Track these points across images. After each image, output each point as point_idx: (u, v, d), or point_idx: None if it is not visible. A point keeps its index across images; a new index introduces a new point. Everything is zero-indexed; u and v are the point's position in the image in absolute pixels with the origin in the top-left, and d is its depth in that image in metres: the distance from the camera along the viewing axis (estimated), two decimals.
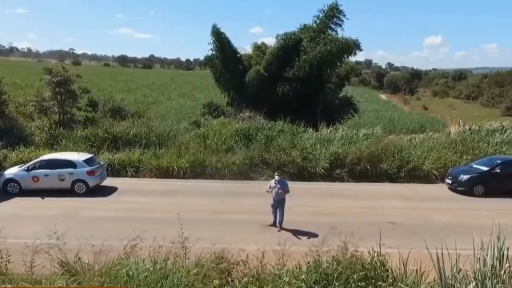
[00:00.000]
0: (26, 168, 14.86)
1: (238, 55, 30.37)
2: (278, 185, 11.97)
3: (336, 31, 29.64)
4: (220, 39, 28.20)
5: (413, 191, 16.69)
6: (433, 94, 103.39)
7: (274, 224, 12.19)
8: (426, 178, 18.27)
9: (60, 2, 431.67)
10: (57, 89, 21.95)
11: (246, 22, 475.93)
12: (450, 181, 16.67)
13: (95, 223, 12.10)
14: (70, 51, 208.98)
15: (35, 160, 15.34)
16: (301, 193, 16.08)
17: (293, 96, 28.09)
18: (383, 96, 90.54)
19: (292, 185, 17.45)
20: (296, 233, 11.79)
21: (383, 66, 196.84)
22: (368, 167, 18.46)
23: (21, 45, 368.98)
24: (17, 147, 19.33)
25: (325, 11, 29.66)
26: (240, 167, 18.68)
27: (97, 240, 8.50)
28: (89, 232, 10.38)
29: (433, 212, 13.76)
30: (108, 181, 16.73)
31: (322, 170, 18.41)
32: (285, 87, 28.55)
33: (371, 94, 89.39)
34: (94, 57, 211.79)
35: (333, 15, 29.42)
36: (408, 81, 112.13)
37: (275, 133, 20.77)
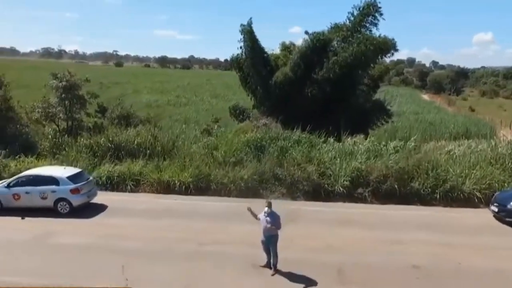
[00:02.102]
0: (6, 185, 13.70)
1: (265, 55, 28.47)
2: (267, 218, 9.83)
3: (370, 30, 26.93)
4: (250, 38, 26.32)
5: (449, 218, 13.90)
6: (480, 94, 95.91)
7: (268, 265, 10.06)
8: (466, 201, 15.33)
9: (107, 5, 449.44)
10: (63, 94, 21.00)
11: (285, 21, 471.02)
12: (496, 209, 13.69)
13: (59, 254, 10.60)
14: (114, 52, 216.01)
15: (17, 176, 14.19)
16: (311, 218, 13.88)
17: (322, 98, 25.80)
18: (425, 97, 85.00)
19: (304, 206, 15.45)
20: (293, 278, 9.62)
21: (427, 65, 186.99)
22: (396, 186, 15.81)
23: (70, 47, 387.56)
24: (18, 157, 18.49)
25: (361, 9, 27.02)
26: (248, 183, 16.68)
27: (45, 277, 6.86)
28: (44, 267, 8.83)
29: (471, 252, 11.03)
30: (102, 197, 15.30)
31: (342, 189, 16.00)
32: (314, 89, 26.30)
33: (413, 94, 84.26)
34: (136, 59, 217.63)
35: (369, 13, 26.67)
36: (454, 80, 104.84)
37: (290, 144, 18.53)
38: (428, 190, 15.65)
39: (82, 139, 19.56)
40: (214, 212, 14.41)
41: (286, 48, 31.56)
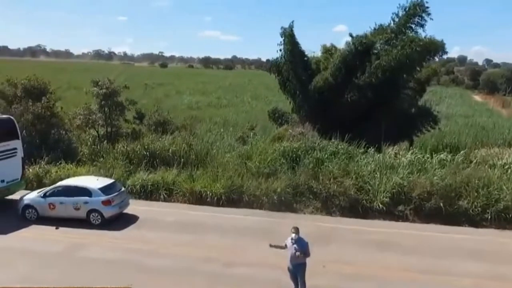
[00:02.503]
0: (42, 195, 14.02)
1: (306, 58, 27.74)
2: (295, 246, 9.18)
3: (416, 31, 25.38)
4: (290, 42, 25.70)
5: (500, 244, 12.56)
6: None
7: None
8: None
9: (155, 8, 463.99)
10: (103, 101, 21.45)
11: (329, 20, 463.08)
12: None
13: (83, 268, 10.59)
14: (160, 54, 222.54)
15: (53, 186, 14.48)
16: (346, 238, 13.08)
17: (363, 104, 24.67)
18: (477, 98, 79.81)
19: (339, 224, 14.63)
20: None
21: (480, 63, 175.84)
22: (441, 204, 14.60)
23: (120, 49, 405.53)
24: (59, 163, 19.04)
25: (406, 9, 25.52)
26: (282, 196, 16.09)
27: None
28: (64, 279, 8.81)
29: None
30: (134, 207, 15.31)
31: (381, 205, 15.02)
32: (354, 94, 25.21)
33: (463, 95, 79.51)
34: (181, 59, 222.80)
35: (415, 13, 25.07)
36: (509, 80, 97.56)
37: (327, 156, 17.69)
38: (478, 210, 14.30)
39: (119, 146, 19.82)
40: (244, 228, 13.96)
41: (328, 51, 30.55)
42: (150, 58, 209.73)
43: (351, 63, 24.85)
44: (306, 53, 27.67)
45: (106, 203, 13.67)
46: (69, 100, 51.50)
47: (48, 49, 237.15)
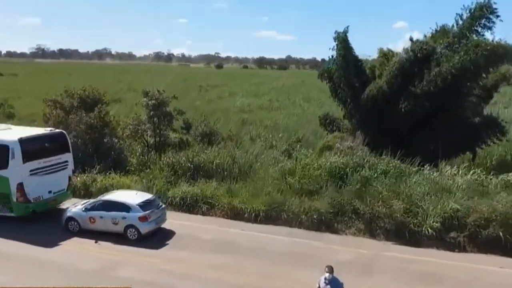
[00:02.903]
0: (84, 208, 14.48)
1: (360, 64, 26.51)
2: (328, 287, 8.50)
3: (483, 34, 23.17)
4: (344, 47, 24.67)
5: None
6: None
7: None
8: None
9: (214, 9, 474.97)
10: (152, 112, 21.93)
11: (389, 17, 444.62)
12: None
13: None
14: (216, 54, 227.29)
15: (93, 200, 14.91)
16: (390, 268, 12.14)
17: (419, 115, 23.02)
18: None
19: (383, 250, 13.56)
20: None
21: None
22: (501, 233, 13.06)
23: (179, 51, 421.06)
24: (108, 172, 19.70)
25: (471, 11, 23.36)
26: (323, 215, 15.32)
27: None
28: None
29: None
30: (172, 221, 15.34)
31: (431, 231, 13.75)
32: (410, 103, 23.57)
33: None
34: (236, 60, 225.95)
35: (481, 15, 22.90)
36: None
37: (376, 175, 16.53)
38: None
39: (165, 158, 20.12)
40: (280, 250, 13.42)
41: (384, 55, 28.94)
42: (207, 59, 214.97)
43: (408, 71, 23.29)
44: (360, 58, 26.49)
45: (143, 219, 13.80)
46: (128, 102, 54.07)
47: (113, 52, 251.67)
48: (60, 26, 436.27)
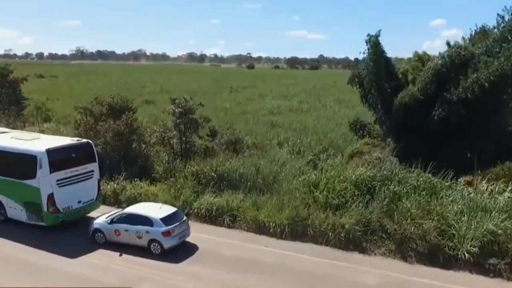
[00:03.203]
0: (109, 221, 14.55)
1: (391, 68, 25.51)
2: None
3: None
4: (375, 52, 23.81)
5: None
6: None
7: None
8: None
9: (247, 10, 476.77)
10: (179, 120, 21.92)
11: (426, 14, 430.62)
12: None
13: None
14: (248, 55, 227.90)
15: (119, 212, 14.93)
16: None
17: (454, 122, 21.82)
18: None
19: (413, 275, 12.76)
20: None
21: None
22: None
23: (212, 51, 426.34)
24: (135, 180, 19.85)
25: None
26: (350, 232, 14.70)
27: None
28: None
29: None
30: (196, 234, 15.16)
31: (467, 255, 12.85)
32: (444, 111, 22.39)
33: None
34: (267, 60, 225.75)
35: None
36: None
37: (405, 190, 15.72)
38: None
39: (189, 166, 20.04)
40: (304, 271, 12.95)
41: (419, 59, 27.73)
42: (239, 59, 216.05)
43: (444, 77, 22.12)
44: (392, 61, 25.49)
45: (166, 234, 13.70)
46: (160, 104, 54.92)
47: (148, 53, 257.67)
48: (99, 28, 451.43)
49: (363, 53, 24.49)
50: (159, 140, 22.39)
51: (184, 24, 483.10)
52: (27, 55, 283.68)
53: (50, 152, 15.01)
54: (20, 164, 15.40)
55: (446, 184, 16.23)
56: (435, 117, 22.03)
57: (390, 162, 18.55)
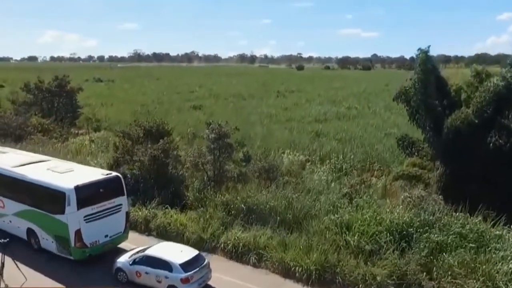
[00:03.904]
0: (131, 262, 14.45)
1: (443, 85, 23.53)
2: None
3: None
4: (425, 69, 22.10)
5: None
6: None
7: None
8: None
9: (298, 9, 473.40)
10: (213, 145, 21.68)
11: (492, 8, 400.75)
12: None
13: None
14: (298, 55, 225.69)
15: (140, 254, 14.76)
16: None
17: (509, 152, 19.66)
18: None
19: None
20: None
21: None
22: None
23: (264, 51, 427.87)
24: (165, 207, 19.82)
25: None
26: (382, 285, 13.48)
27: None
28: None
29: None
30: (220, 275, 14.73)
31: None
32: (501, 138, 20.20)
33: None
34: (318, 60, 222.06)
35: None
36: None
37: (449, 240, 14.14)
38: None
39: (220, 196, 19.67)
40: None
41: (477, 75, 25.34)
42: (289, 59, 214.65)
43: (504, 100, 20.01)
44: (443, 77, 23.49)
45: (185, 281, 13.34)
46: (207, 109, 55.55)
47: (200, 54, 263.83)
48: (155, 30, 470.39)
49: (412, 68, 22.82)
50: (193, 165, 22.27)
51: (236, 25, 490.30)
52: (90, 58, 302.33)
53: (78, 189, 15.23)
54: (51, 198, 15.79)
55: (497, 233, 14.40)
56: (491, 144, 19.99)
57: (433, 201, 16.87)
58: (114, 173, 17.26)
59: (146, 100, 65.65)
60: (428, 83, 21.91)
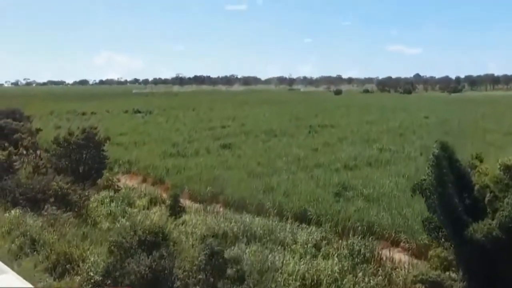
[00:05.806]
0: None
1: (467, 180, 20.88)
2: None
3: None
4: (438, 164, 19.73)
5: None
6: None
7: None
8: None
9: (340, 27, 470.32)
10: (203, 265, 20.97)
11: None
12: None
13: None
14: (338, 76, 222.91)
15: None
16: None
17: None
18: None
19: None
20: None
21: None
22: None
23: (304, 71, 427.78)
24: None
25: None
26: None
27: None
28: None
29: None
30: None
31: None
32: None
33: None
34: (358, 81, 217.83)
35: None
36: None
37: None
38: None
39: None
40: None
41: (507, 169, 22.39)
42: (328, 81, 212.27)
43: None
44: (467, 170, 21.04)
45: None
46: (235, 151, 54.93)
47: (239, 76, 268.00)
48: (198, 53, 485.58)
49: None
50: None
51: (277, 44, 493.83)
52: (135, 80, 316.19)
53: None
54: None
55: None
56: None
57: None
58: None
59: (178, 137, 66.38)
60: (445, 183, 19.71)
